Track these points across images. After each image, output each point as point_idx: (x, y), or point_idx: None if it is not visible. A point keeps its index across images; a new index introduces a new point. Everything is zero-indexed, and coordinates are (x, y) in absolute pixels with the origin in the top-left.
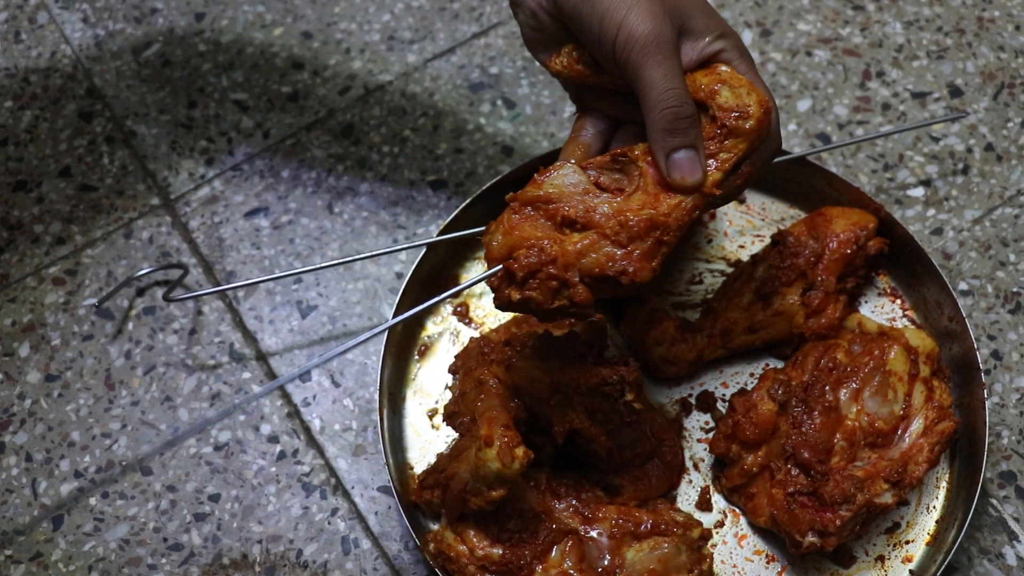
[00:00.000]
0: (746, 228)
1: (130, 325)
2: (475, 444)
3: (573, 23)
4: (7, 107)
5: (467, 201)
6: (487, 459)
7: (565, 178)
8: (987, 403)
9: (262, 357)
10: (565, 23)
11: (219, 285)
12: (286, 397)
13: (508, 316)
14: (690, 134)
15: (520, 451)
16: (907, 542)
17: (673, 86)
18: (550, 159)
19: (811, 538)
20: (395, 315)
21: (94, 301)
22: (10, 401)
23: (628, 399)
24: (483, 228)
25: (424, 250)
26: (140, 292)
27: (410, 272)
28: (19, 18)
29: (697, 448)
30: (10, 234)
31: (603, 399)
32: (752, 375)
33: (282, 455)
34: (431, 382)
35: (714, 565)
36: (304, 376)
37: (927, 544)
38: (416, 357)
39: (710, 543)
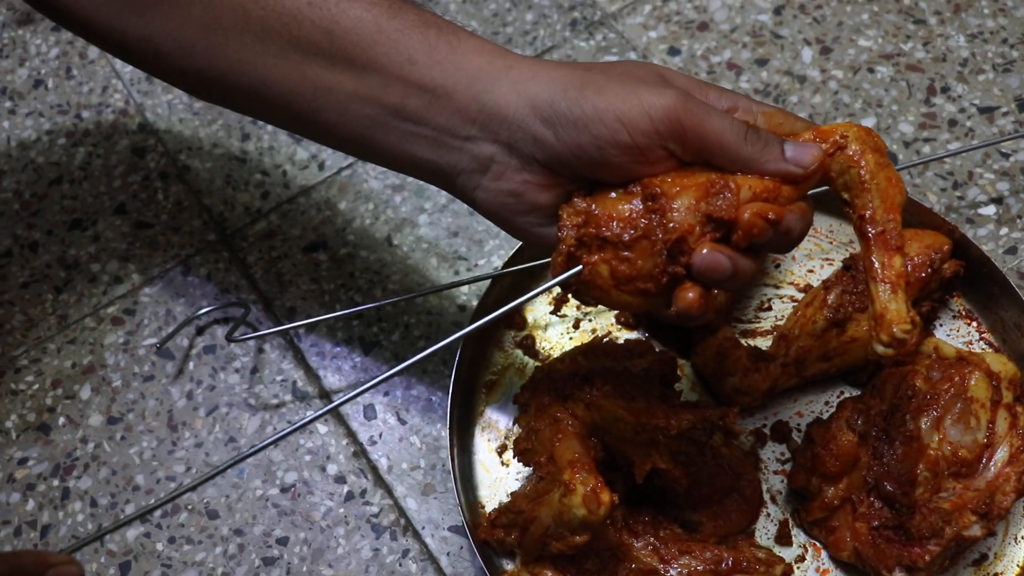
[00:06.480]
0: (814, 252)
1: (191, 365)
2: (557, 488)
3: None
4: (60, 144)
5: None
6: (572, 505)
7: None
8: None
9: (325, 395)
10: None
11: (279, 321)
12: (352, 436)
13: (572, 345)
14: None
15: (606, 497)
16: (996, 574)
17: (731, 120)
18: None
19: (899, 574)
20: (461, 348)
21: (154, 341)
22: (73, 445)
23: (715, 443)
24: (549, 259)
25: (488, 282)
26: (200, 331)
27: (475, 305)
28: (70, 54)
29: (774, 480)
30: (67, 274)
31: (688, 442)
32: (827, 403)
33: (350, 495)
34: (498, 418)
35: None
36: (369, 414)
37: None
38: (483, 392)
39: None
